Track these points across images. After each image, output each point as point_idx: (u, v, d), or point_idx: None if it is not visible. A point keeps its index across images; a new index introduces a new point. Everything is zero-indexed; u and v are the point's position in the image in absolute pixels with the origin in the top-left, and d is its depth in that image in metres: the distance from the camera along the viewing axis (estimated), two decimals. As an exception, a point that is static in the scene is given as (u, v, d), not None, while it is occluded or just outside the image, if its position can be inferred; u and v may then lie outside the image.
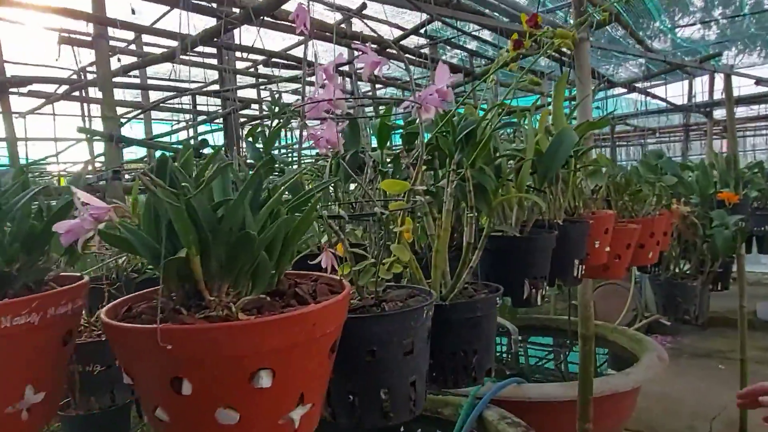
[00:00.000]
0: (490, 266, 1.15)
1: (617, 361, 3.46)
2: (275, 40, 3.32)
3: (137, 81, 3.59)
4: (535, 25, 0.93)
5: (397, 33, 2.73)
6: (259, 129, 1.53)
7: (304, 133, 0.88)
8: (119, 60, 2.63)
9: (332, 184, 1.44)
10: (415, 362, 0.73)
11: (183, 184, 0.49)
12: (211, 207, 0.47)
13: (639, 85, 3.01)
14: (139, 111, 3.11)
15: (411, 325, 0.72)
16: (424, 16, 1.99)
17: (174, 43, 2.39)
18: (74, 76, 2.71)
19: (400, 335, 0.71)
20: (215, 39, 1.56)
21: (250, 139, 1.53)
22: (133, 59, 2.30)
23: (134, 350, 0.47)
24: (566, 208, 1.59)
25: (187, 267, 0.47)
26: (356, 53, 0.95)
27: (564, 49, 2.05)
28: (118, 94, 3.93)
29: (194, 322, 0.46)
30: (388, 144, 1.51)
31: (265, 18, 1.74)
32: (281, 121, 1.53)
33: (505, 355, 3.62)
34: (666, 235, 2.12)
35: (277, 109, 1.55)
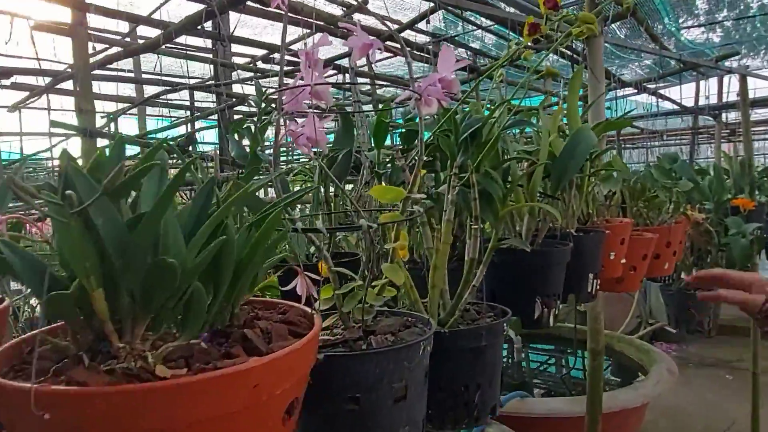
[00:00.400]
0: (497, 283, 1.03)
1: (622, 370, 3.33)
2: (274, 36, 3.20)
3: (132, 75, 3.46)
4: (554, 6, 0.80)
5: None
6: (246, 125, 1.41)
7: (282, 130, 0.74)
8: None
9: (322, 189, 1.32)
10: (408, 410, 0.60)
11: (102, 192, 0.36)
12: (128, 223, 0.35)
13: (651, 85, 2.88)
14: (129, 106, 2.98)
15: (404, 365, 0.59)
16: (426, 8, 1.87)
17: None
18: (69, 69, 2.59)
19: (391, 377, 0.58)
20: (198, 27, 1.43)
21: (236, 136, 1.40)
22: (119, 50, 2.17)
23: (10, 413, 0.35)
24: (579, 216, 1.46)
25: (87, 303, 0.35)
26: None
27: (578, 45, 1.92)
28: (109, 87, 3.80)
29: (92, 378, 0.33)
30: (389, 143, 1.37)
31: (256, 5, 1.62)
32: (270, 116, 1.40)
33: (506, 363, 3.49)
34: (681, 243, 1.99)
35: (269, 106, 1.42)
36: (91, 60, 1.69)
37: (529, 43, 0.95)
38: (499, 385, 0.82)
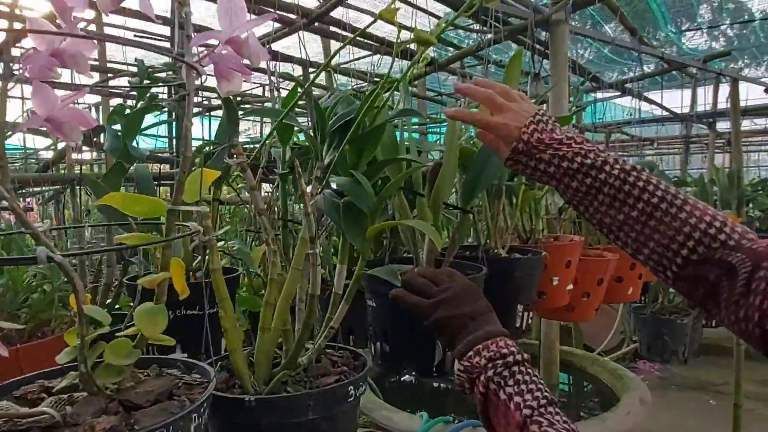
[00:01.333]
0: (390, 321, 0.80)
1: (600, 395, 3.10)
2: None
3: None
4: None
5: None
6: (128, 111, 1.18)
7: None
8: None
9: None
10: None
11: None
12: None
13: (631, 86, 2.65)
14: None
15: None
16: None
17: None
18: None
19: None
20: None
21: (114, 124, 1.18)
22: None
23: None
24: (520, 232, 1.23)
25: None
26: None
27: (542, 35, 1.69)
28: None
29: None
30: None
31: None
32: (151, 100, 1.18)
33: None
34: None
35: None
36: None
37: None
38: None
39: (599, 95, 3.35)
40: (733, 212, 2.35)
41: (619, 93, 2.79)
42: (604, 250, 1.42)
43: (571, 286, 1.19)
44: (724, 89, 4.54)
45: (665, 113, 3.98)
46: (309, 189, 0.68)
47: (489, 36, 1.80)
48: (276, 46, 1.92)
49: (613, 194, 0.59)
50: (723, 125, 5.02)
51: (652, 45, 2.54)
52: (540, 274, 1.04)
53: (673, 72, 3.78)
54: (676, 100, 4.49)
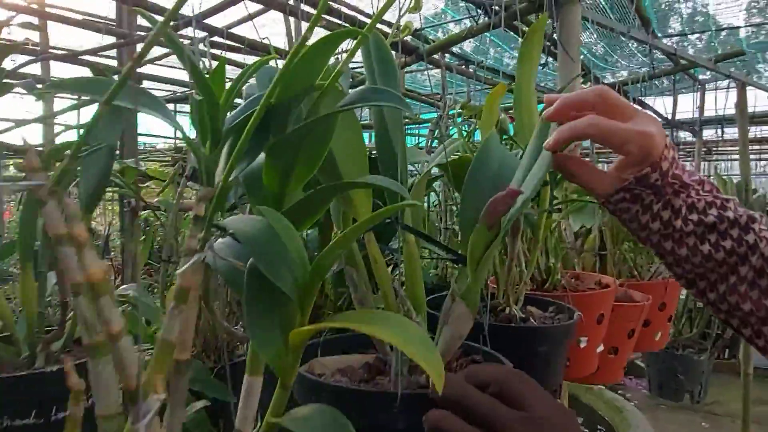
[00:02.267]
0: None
1: (595, 427, 2.83)
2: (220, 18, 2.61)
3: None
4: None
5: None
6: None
7: None
8: None
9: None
10: None
11: None
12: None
13: (628, 88, 2.39)
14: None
15: None
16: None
17: None
18: None
19: None
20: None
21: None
22: None
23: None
24: (535, 273, 0.92)
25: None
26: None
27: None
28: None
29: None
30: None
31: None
32: None
33: None
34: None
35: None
36: None
37: None
38: None
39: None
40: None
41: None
42: (629, 287, 1.12)
43: (601, 347, 0.87)
44: (710, 96, 4.39)
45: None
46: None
47: (483, 20, 1.49)
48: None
49: (761, 267, 0.41)
50: (708, 132, 4.86)
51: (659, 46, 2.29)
52: (566, 351, 0.72)
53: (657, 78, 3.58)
54: (658, 106, 4.30)
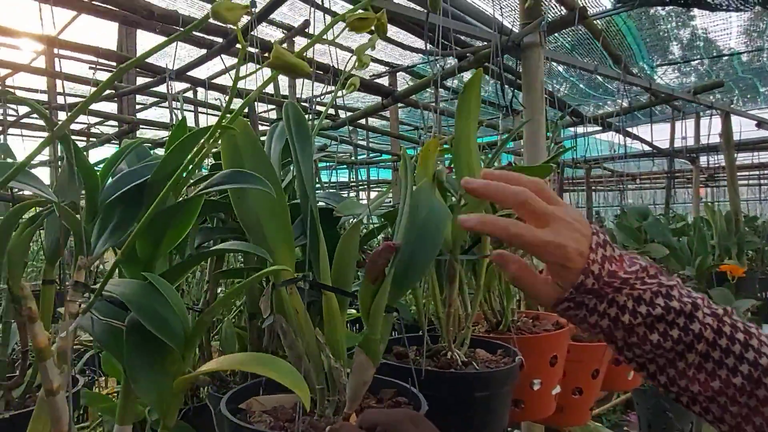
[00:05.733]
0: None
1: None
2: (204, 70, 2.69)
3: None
4: None
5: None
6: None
7: None
8: None
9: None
10: None
11: None
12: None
13: (615, 120, 2.41)
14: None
15: None
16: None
17: None
18: None
19: None
20: None
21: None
22: None
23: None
24: (487, 314, 0.92)
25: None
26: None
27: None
28: None
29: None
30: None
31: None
32: None
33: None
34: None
35: None
36: None
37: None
38: None
39: (579, 130, 3.14)
40: (734, 261, 2.08)
41: (600, 128, 2.56)
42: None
43: (558, 389, 0.87)
44: (708, 121, 4.40)
45: (647, 148, 3.78)
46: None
47: (452, 63, 1.54)
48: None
49: (706, 352, 0.42)
50: (706, 159, 4.86)
51: (636, 75, 2.33)
52: (510, 396, 0.72)
53: (656, 108, 3.62)
54: (659, 133, 4.33)
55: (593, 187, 5.60)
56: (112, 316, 0.35)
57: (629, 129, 3.55)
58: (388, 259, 0.43)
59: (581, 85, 3.47)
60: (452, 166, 0.75)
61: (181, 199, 0.35)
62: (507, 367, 0.69)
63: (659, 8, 2.25)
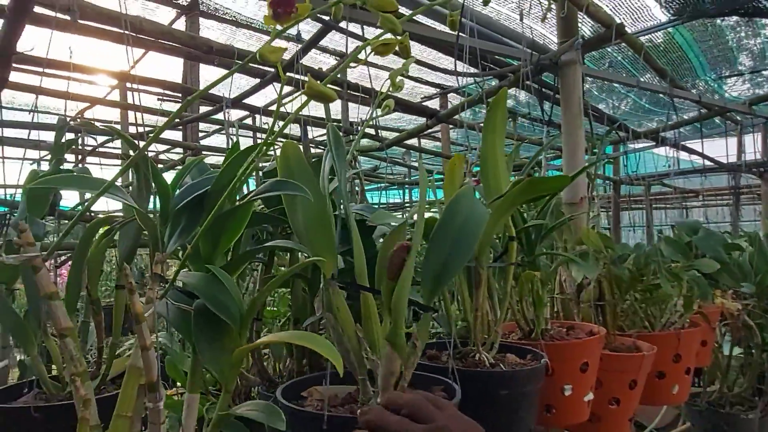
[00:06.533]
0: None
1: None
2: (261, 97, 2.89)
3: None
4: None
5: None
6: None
7: None
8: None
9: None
10: None
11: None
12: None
13: (668, 135, 2.37)
14: None
15: None
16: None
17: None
18: None
19: None
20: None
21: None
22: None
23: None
24: (521, 322, 0.96)
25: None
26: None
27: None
28: None
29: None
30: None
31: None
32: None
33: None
34: (706, 345, 1.45)
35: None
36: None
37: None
38: None
39: (636, 145, 3.08)
40: (801, 277, 1.98)
41: (654, 143, 2.51)
42: (639, 338, 1.12)
43: (591, 396, 0.90)
44: (774, 137, 4.17)
45: (708, 163, 3.64)
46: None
47: (492, 83, 1.59)
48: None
49: None
50: (776, 174, 4.60)
51: (689, 91, 2.29)
52: (541, 386, 0.76)
53: (716, 119, 3.49)
54: (720, 149, 4.15)
55: (654, 205, 5.41)
56: (182, 303, 0.44)
57: (688, 144, 3.44)
58: (403, 258, 0.49)
59: (642, 102, 3.40)
60: (478, 178, 0.81)
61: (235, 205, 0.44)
62: (530, 367, 0.73)
63: (725, 18, 2.20)
